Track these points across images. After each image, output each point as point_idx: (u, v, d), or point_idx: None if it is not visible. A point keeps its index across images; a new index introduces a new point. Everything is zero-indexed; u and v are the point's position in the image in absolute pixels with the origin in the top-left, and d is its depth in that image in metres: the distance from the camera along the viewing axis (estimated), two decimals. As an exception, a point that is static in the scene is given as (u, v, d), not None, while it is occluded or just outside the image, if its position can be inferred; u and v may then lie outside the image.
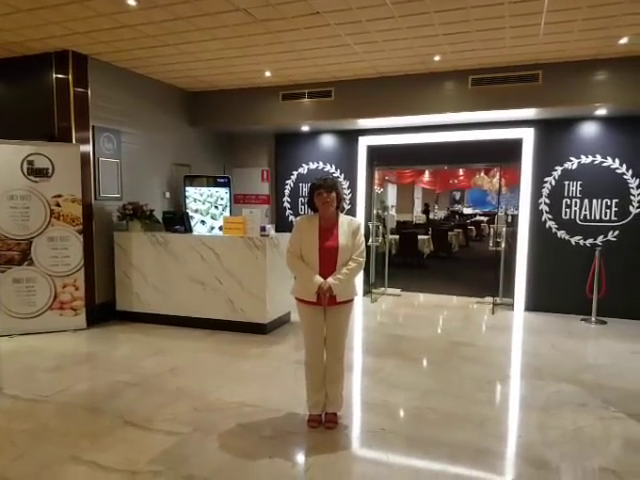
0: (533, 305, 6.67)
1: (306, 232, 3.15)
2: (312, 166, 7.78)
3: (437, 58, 5.55)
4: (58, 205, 5.38)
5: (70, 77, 5.49)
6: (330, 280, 3.05)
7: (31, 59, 5.60)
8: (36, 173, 5.30)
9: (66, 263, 5.43)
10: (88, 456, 2.80)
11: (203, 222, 7.24)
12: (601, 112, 5.97)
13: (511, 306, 6.83)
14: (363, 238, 3.23)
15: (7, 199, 5.19)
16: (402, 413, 3.52)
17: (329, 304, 3.10)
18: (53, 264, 5.38)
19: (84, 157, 5.58)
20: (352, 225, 3.19)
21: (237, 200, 8.02)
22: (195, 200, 7.23)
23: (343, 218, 3.21)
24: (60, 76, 5.52)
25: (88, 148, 5.67)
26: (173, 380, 4.04)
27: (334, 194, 3.13)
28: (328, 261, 3.10)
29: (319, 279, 3.06)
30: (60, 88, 5.53)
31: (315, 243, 3.11)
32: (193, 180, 7.24)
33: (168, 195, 7.04)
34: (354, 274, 3.13)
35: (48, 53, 5.50)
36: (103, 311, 5.87)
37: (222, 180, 7.41)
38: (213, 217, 7.31)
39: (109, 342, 5.19)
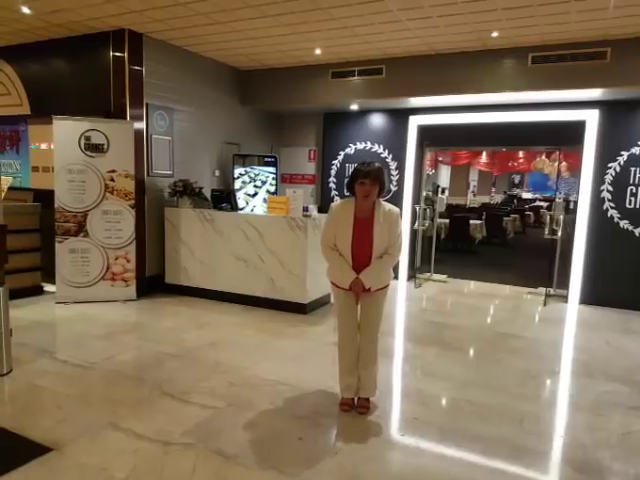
0: (589, 298, 6.31)
1: (341, 221, 3.06)
2: (360, 146, 7.62)
3: (495, 34, 5.24)
4: (112, 180, 5.59)
5: (126, 55, 5.62)
6: (362, 277, 2.99)
7: (90, 38, 5.77)
8: (92, 149, 5.51)
9: (118, 236, 5.65)
10: (125, 423, 2.92)
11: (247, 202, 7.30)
12: (678, 92, 5.46)
13: (565, 298, 6.48)
14: (401, 229, 3.08)
15: (65, 173, 5.44)
16: (437, 403, 3.44)
17: (362, 291, 3.05)
18: (106, 236, 5.61)
19: (137, 134, 5.73)
20: (390, 216, 3.03)
21: (284, 180, 8.05)
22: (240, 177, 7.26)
23: (381, 207, 3.04)
24: (117, 54, 5.67)
25: (142, 125, 5.82)
26: (213, 354, 4.14)
27: (377, 185, 2.97)
28: (361, 253, 3.01)
29: (351, 276, 3.00)
30: (116, 66, 5.68)
31: (349, 234, 3.01)
32: (242, 159, 7.29)
33: (217, 173, 7.15)
34: (387, 268, 3.05)
35: (106, 32, 5.65)
36: (152, 283, 6.10)
37: (269, 159, 7.43)
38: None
39: (156, 314, 5.39)
